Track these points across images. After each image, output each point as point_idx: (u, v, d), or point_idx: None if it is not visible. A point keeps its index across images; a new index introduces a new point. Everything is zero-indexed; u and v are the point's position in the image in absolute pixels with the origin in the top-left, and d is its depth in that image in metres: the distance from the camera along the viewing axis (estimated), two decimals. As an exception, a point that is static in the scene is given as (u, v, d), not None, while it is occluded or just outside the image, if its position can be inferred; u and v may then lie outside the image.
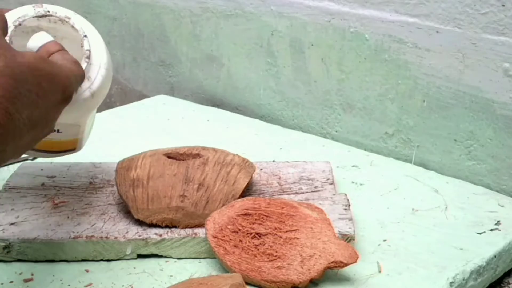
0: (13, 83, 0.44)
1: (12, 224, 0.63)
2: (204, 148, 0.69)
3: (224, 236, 0.59)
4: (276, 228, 0.59)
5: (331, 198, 0.68)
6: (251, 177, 0.67)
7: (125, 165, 0.67)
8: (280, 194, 0.69)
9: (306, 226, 0.59)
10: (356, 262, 0.56)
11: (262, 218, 0.60)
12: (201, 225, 0.62)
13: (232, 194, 0.64)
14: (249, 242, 0.59)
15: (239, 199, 0.63)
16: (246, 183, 0.66)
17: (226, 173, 0.66)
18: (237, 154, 0.69)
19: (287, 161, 0.76)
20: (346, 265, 0.56)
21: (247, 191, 0.68)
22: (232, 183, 0.65)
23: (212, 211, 0.62)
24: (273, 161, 0.77)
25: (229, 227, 0.60)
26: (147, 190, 0.64)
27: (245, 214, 0.61)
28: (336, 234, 0.60)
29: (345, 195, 0.68)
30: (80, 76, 0.54)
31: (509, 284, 0.66)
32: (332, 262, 0.56)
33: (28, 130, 0.47)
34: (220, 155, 0.68)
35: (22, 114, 0.45)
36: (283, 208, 0.61)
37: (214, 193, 0.64)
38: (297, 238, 0.58)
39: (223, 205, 0.63)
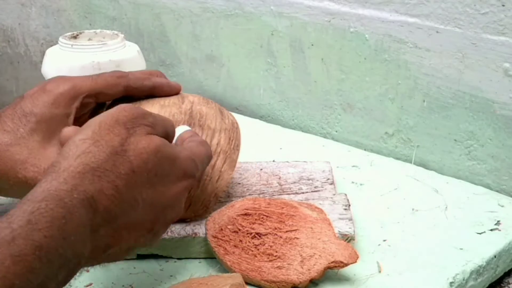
0: (130, 164, 0.45)
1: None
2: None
3: (224, 236, 0.59)
4: (276, 228, 0.59)
5: (331, 198, 0.68)
6: (236, 164, 0.64)
7: None
8: (280, 194, 0.69)
9: (306, 226, 0.59)
10: (356, 262, 0.56)
11: (262, 218, 0.60)
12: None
13: (215, 193, 0.62)
14: (249, 242, 0.59)
15: (239, 199, 0.63)
16: (230, 177, 0.63)
17: (210, 167, 0.62)
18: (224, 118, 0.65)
19: (287, 161, 0.76)
20: (346, 265, 0.55)
21: (247, 192, 0.68)
22: (216, 179, 0.63)
23: (196, 213, 0.62)
24: (273, 161, 0.77)
25: (229, 227, 0.60)
26: None
27: (245, 214, 0.61)
28: (336, 234, 0.60)
29: (345, 195, 0.68)
30: (207, 157, 0.54)
31: (509, 284, 0.66)
32: (332, 262, 0.56)
33: (145, 209, 0.47)
34: (207, 133, 0.63)
35: (134, 191, 0.45)
36: (283, 208, 0.61)
37: (198, 193, 0.61)
38: (297, 238, 0.58)
39: (205, 206, 0.62)
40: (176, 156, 0.50)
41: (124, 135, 0.46)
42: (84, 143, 0.45)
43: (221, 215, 0.61)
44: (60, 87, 0.59)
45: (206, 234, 0.60)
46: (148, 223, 0.48)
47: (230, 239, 0.59)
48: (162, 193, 0.48)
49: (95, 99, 0.61)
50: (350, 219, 0.63)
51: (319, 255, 0.56)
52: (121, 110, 0.48)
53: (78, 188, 0.42)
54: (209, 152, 0.55)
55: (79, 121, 0.60)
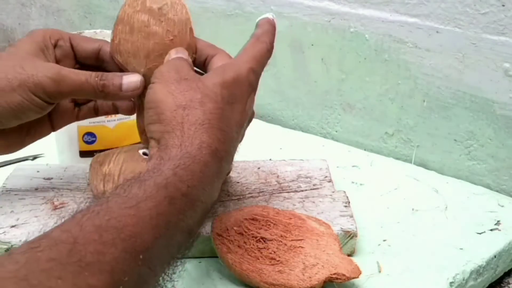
0: (216, 104, 0.52)
1: (13, 226, 0.63)
2: None
3: (229, 236, 0.59)
4: (281, 236, 0.59)
5: (331, 195, 0.68)
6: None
7: (100, 160, 0.65)
8: (280, 192, 0.69)
9: (312, 237, 0.59)
10: (358, 277, 0.55)
11: (269, 224, 0.60)
12: None
13: None
14: (253, 245, 0.59)
15: (248, 206, 0.63)
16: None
17: None
18: None
19: (284, 160, 0.76)
20: (348, 278, 0.55)
21: (246, 191, 0.68)
22: None
23: None
24: (270, 159, 0.77)
25: (235, 228, 0.60)
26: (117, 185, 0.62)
27: (253, 219, 0.61)
28: (338, 232, 0.60)
29: (344, 192, 0.68)
30: (265, 56, 0.61)
31: (509, 284, 0.66)
32: (334, 274, 0.55)
33: (240, 131, 0.56)
34: None
35: (231, 124, 0.53)
36: (291, 218, 0.61)
37: None
38: (302, 247, 0.58)
39: None
40: (239, 76, 0.56)
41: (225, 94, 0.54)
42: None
43: (228, 217, 0.61)
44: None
45: (211, 231, 0.60)
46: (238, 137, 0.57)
47: (235, 239, 0.59)
48: (242, 108, 0.56)
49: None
50: (351, 216, 0.64)
51: (322, 266, 0.56)
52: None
53: (203, 144, 0.50)
54: (264, 49, 0.60)
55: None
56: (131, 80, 0.61)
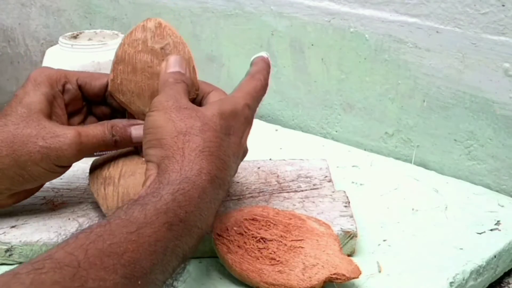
0: (215, 133, 0.54)
1: (13, 227, 0.63)
2: None
3: (229, 236, 0.59)
4: (281, 236, 0.60)
5: (331, 195, 0.68)
6: None
7: (99, 164, 0.66)
8: (280, 192, 0.69)
9: (312, 238, 0.59)
10: (358, 277, 0.55)
11: (269, 225, 0.60)
12: None
13: None
14: (253, 245, 0.59)
15: (248, 206, 0.63)
16: None
17: None
18: None
19: (284, 159, 0.76)
20: (348, 279, 0.55)
21: (247, 191, 0.68)
22: None
23: None
24: (270, 159, 0.77)
25: (235, 228, 0.60)
26: (118, 188, 0.63)
27: (253, 219, 0.61)
28: (338, 232, 0.60)
29: (344, 192, 0.68)
30: (260, 92, 0.62)
31: (509, 284, 0.66)
32: (334, 274, 0.55)
33: (236, 162, 0.57)
34: None
35: (229, 154, 0.55)
36: (291, 219, 0.61)
37: None
38: (302, 248, 0.58)
39: None
40: (236, 110, 0.57)
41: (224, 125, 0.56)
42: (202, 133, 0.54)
43: (228, 217, 0.61)
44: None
45: (211, 231, 0.60)
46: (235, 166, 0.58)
47: (235, 239, 0.59)
48: (238, 141, 0.57)
49: None
50: (351, 216, 0.64)
51: (322, 266, 0.56)
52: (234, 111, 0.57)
53: (202, 170, 0.51)
54: (259, 86, 0.61)
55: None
56: (139, 132, 0.62)
